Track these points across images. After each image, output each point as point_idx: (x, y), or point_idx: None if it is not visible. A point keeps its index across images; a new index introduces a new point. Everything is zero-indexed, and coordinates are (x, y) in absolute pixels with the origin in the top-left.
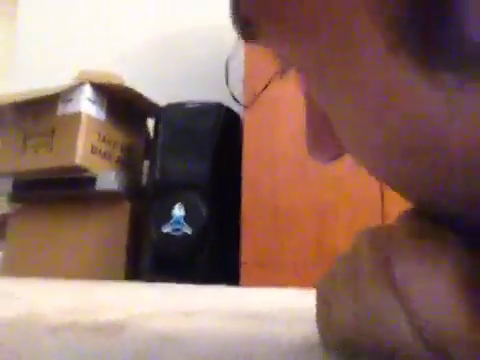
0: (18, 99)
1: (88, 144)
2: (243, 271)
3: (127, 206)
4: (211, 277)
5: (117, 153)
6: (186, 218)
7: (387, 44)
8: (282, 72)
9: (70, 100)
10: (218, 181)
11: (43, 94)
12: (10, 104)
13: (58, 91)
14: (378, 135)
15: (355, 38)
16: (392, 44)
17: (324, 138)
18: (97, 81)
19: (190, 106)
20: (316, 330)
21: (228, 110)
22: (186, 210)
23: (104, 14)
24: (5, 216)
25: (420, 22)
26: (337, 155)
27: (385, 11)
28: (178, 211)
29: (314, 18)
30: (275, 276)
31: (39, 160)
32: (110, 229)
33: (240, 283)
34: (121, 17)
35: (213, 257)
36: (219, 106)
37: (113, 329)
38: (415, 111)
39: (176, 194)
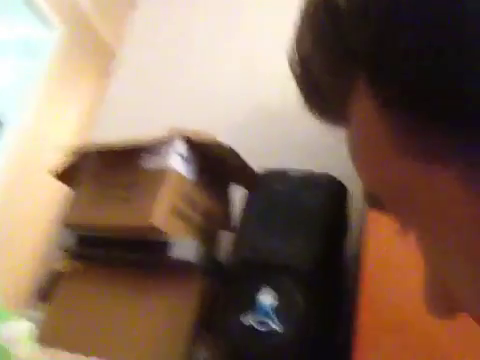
0: (103, 149)
1: (169, 204)
2: None
3: (200, 283)
4: None
5: (199, 219)
6: (276, 309)
7: None
8: (402, 233)
9: (158, 153)
10: (320, 267)
11: (129, 145)
12: (94, 153)
13: (146, 143)
14: None
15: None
16: None
17: (441, 299)
18: (190, 136)
19: (293, 174)
20: None
21: (339, 184)
22: (277, 298)
23: (209, 78)
24: (58, 274)
25: None
26: (455, 313)
27: None
28: (265, 298)
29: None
30: None
31: (113, 216)
32: (175, 309)
33: None
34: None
35: None
36: (330, 178)
37: None
38: None
39: (265, 276)
